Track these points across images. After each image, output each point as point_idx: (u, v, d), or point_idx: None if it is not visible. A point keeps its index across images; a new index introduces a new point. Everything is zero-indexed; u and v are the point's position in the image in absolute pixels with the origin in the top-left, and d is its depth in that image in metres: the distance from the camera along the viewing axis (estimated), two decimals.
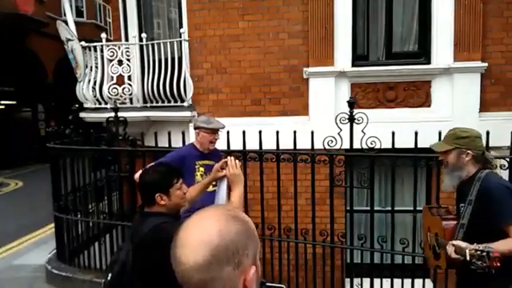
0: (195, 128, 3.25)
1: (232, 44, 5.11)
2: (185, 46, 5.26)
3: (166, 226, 1.90)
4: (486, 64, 4.68)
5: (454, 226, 2.37)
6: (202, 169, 3.22)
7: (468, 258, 2.02)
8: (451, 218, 2.44)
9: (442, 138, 2.53)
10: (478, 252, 1.99)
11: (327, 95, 4.92)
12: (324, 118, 4.75)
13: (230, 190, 2.30)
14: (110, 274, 1.98)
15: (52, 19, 11.84)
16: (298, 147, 3.82)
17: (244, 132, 3.86)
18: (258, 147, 3.86)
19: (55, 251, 5.44)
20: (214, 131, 3.22)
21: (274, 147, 3.85)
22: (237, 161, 2.33)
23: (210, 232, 0.81)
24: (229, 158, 2.35)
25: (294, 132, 3.79)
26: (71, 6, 7.47)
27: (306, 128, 4.11)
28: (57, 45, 9.26)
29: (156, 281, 1.89)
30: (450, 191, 2.96)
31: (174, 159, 3.18)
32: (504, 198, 2.21)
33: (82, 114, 5.91)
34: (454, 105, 4.77)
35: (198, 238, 0.82)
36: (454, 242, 2.18)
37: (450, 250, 2.18)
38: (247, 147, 3.89)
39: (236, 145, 3.87)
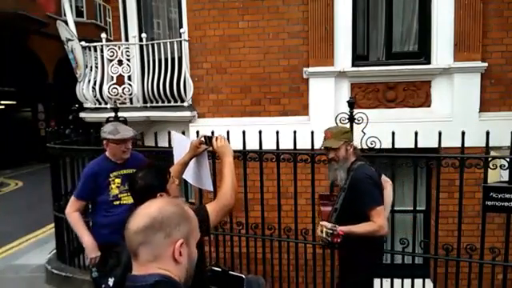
0: (102, 139, 3.09)
1: (232, 44, 5.11)
2: (185, 45, 5.26)
3: None
4: (485, 64, 4.67)
5: (330, 210, 2.85)
6: (117, 180, 3.07)
7: (324, 235, 2.58)
8: (330, 204, 2.89)
9: (328, 136, 2.87)
10: (330, 231, 2.54)
11: (327, 95, 4.92)
12: (324, 118, 4.73)
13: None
14: (111, 279, 1.94)
15: (52, 19, 11.82)
16: (298, 147, 3.81)
17: (244, 132, 3.86)
18: (257, 147, 3.86)
19: (55, 251, 5.44)
20: (122, 141, 3.03)
21: (274, 147, 3.85)
22: (221, 134, 2.38)
23: (152, 208, 1.15)
24: (215, 135, 2.39)
25: (294, 132, 3.78)
26: (71, 6, 7.46)
27: (306, 128, 4.10)
28: (57, 45, 9.26)
29: None
30: (450, 190, 3.01)
31: (86, 181, 3.05)
32: (368, 187, 2.65)
33: (82, 114, 5.92)
34: (453, 105, 4.76)
35: (144, 211, 1.15)
36: (322, 223, 2.67)
37: (318, 229, 2.67)
38: (247, 147, 3.88)
39: (236, 145, 3.87)
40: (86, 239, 3.11)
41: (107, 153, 3.13)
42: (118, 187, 3.07)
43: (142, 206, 1.17)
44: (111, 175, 3.07)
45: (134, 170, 3.07)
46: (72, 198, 3.17)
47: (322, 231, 2.62)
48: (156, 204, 1.17)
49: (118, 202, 3.08)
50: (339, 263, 3.08)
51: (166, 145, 4.19)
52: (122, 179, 3.07)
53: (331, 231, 2.54)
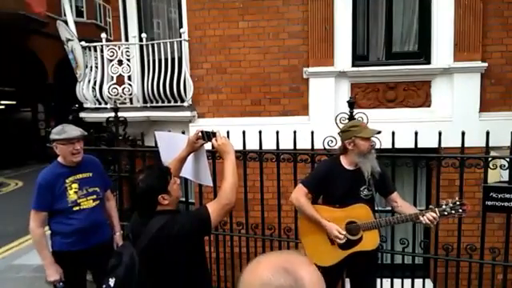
0: (52, 142, 2.98)
1: (232, 44, 5.11)
2: (185, 45, 5.26)
3: (178, 219, 2.00)
4: (486, 64, 4.67)
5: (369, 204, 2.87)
6: (75, 185, 2.97)
7: (448, 212, 2.63)
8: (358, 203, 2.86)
9: (367, 125, 3.05)
10: (448, 208, 2.63)
11: (327, 95, 4.92)
12: (324, 118, 4.75)
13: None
14: (112, 279, 1.93)
15: (52, 19, 11.82)
16: (298, 147, 3.81)
17: (244, 132, 3.86)
18: (257, 147, 3.86)
19: None
20: (70, 141, 2.91)
21: (274, 147, 3.84)
22: (219, 131, 2.39)
23: (255, 273, 0.83)
24: (213, 130, 2.39)
25: (294, 132, 3.78)
26: (71, 6, 7.47)
27: (306, 128, 4.10)
28: (57, 45, 9.26)
29: (174, 275, 1.96)
30: (450, 190, 3.02)
31: (42, 190, 2.89)
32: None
33: (82, 114, 5.92)
34: (454, 105, 4.76)
35: (247, 280, 0.84)
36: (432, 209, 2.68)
37: (434, 215, 2.64)
38: (247, 147, 3.88)
39: (236, 145, 3.86)
40: (49, 261, 2.95)
41: (59, 158, 3.03)
42: (75, 192, 2.97)
43: (249, 267, 0.87)
44: (67, 181, 2.96)
45: (91, 174, 3.05)
46: (32, 212, 2.93)
47: (443, 210, 2.65)
48: (262, 269, 0.84)
49: (77, 208, 2.97)
50: (358, 259, 2.92)
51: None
52: (80, 184, 2.99)
53: (454, 205, 2.64)
